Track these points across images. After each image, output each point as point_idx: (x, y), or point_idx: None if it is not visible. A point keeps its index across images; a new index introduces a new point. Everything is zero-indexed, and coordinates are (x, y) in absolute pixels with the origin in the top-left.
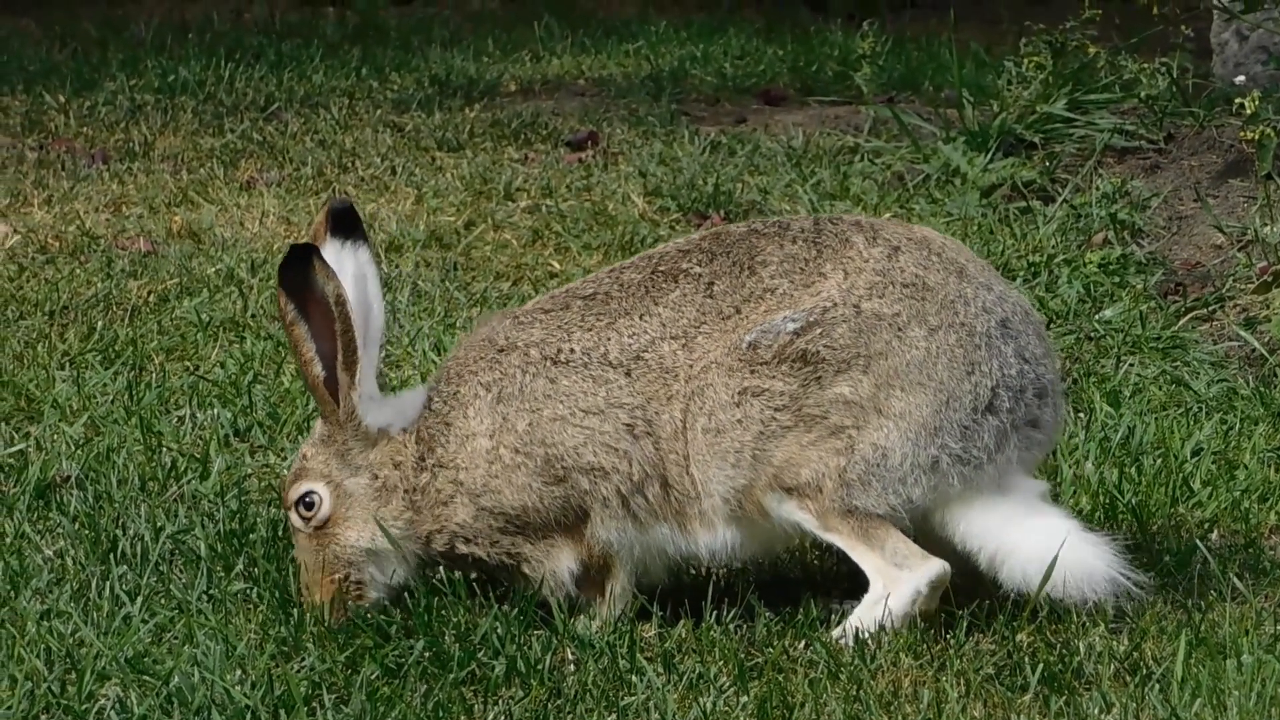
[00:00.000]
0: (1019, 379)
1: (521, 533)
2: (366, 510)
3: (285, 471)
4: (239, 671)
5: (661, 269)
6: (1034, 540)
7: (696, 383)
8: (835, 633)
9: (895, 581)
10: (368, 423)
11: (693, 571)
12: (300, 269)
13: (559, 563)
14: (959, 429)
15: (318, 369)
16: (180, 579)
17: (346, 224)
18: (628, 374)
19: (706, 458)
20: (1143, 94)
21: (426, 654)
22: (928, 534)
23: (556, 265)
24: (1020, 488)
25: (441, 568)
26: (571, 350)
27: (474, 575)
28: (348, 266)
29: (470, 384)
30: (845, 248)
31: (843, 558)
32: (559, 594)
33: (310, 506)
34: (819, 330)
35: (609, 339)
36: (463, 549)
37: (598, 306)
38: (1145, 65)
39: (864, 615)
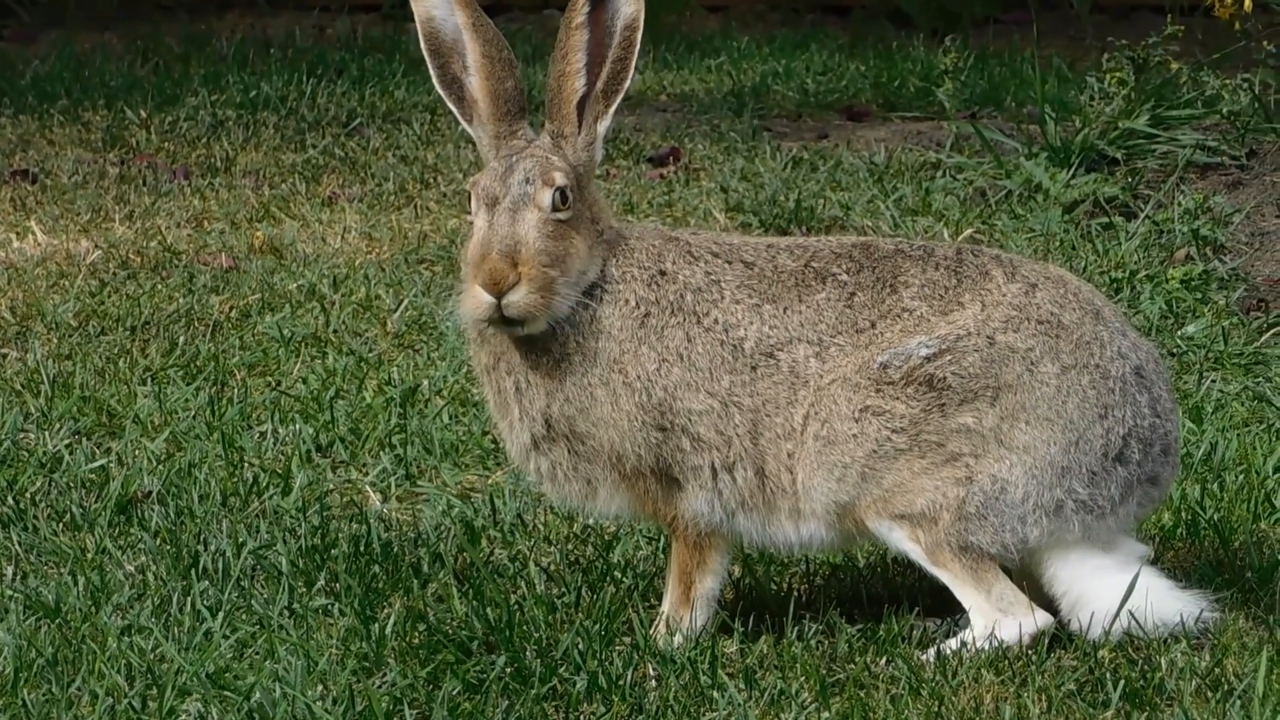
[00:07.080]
0: (1150, 432)
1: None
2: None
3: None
4: (320, 687)
5: (814, 265)
6: (1116, 593)
7: (823, 392)
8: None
9: (998, 626)
10: (596, 160)
11: (774, 586)
12: None
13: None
14: (1087, 474)
15: (580, 83)
16: (261, 594)
17: None
18: (753, 369)
19: (814, 465)
20: (1225, 110)
21: (508, 669)
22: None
23: None
24: (1124, 549)
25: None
26: (715, 321)
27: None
28: None
29: (631, 268)
30: (984, 280)
31: (925, 574)
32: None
33: (565, 200)
34: (950, 357)
35: (751, 324)
36: None
37: (753, 281)
38: (1227, 81)
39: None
